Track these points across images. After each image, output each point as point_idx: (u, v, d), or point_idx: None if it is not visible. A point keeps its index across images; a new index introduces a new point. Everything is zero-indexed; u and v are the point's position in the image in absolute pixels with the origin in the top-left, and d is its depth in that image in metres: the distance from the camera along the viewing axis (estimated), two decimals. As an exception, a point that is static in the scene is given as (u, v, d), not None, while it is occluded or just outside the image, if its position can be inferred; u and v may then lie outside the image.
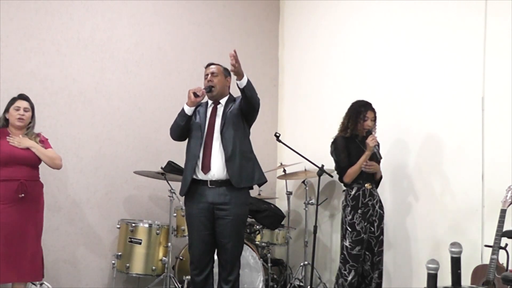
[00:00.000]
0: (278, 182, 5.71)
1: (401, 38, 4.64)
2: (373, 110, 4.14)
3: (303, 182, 5.06)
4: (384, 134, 4.60)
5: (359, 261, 4.01)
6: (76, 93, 4.69)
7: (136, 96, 5.00)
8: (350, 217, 4.04)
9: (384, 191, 4.47)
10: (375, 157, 4.07)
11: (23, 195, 3.64)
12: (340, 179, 4.19)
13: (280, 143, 4.67)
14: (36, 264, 3.74)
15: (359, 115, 4.10)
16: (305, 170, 4.90)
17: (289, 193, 5.19)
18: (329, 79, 5.32)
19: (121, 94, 4.92)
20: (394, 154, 4.54)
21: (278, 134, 4.61)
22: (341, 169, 4.14)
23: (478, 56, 4.03)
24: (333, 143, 4.20)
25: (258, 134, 5.56)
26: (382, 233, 4.10)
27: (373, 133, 4.10)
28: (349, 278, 3.99)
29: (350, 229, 4.02)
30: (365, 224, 4.03)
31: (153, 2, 5.13)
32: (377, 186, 4.21)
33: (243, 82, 3.43)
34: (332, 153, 4.20)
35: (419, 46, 4.47)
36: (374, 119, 4.15)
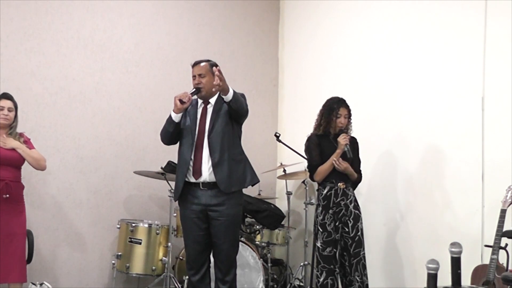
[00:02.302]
0: (278, 182, 5.71)
1: (401, 38, 4.64)
2: (346, 107, 4.06)
3: (303, 182, 5.06)
4: (384, 134, 4.61)
5: (331, 262, 3.93)
6: (76, 93, 4.69)
7: (136, 96, 5.00)
8: (321, 217, 3.98)
9: (385, 191, 4.47)
10: (346, 156, 3.97)
11: (8, 195, 3.62)
12: (311, 178, 4.13)
13: (280, 143, 4.66)
14: (23, 265, 3.73)
15: (332, 112, 4.03)
16: (305, 170, 4.88)
17: (289, 193, 5.18)
18: (329, 79, 5.31)
19: (121, 94, 4.92)
20: (394, 154, 4.54)
21: (278, 134, 4.60)
22: (312, 167, 4.08)
23: (478, 56, 4.03)
24: (306, 141, 4.15)
25: (258, 134, 5.59)
26: (359, 233, 3.96)
27: (349, 130, 4.05)
28: (321, 279, 3.93)
29: (321, 230, 3.96)
30: (337, 224, 3.96)
31: (153, 2, 5.13)
32: (354, 188, 4.12)
33: (229, 96, 3.39)
34: (305, 151, 4.16)
35: (419, 46, 4.47)
36: (348, 116, 4.07)
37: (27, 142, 3.85)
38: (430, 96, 4.36)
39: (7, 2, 4.38)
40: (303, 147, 4.20)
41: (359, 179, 4.14)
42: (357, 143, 4.15)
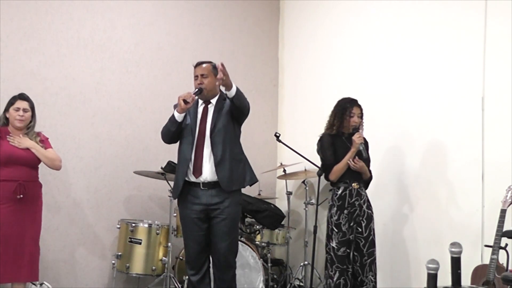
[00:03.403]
0: (278, 182, 5.71)
1: (401, 38, 4.64)
2: (359, 106, 4.09)
3: (303, 182, 5.06)
4: (384, 134, 4.61)
5: (344, 262, 3.95)
6: (76, 93, 4.69)
7: (136, 96, 5.00)
8: (336, 217, 3.99)
9: (385, 191, 4.47)
10: (361, 155, 4.01)
11: (21, 196, 3.64)
12: (326, 177, 4.13)
13: (280, 143, 4.66)
14: (34, 264, 3.75)
15: (345, 112, 4.06)
16: (305, 170, 4.90)
17: (289, 193, 5.18)
18: (329, 79, 5.32)
19: (121, 94, 4.92)
20: (394, 154, 4.54)
21: (278, 134, 4.60)
22: (326, 166, 4.09)
23: (478, 56, 4.03)
24: (319, 141, 4.16)
25: (258, 134, 5.59)
26: (371, 233, 4.01)
27: (360, 130, 4.07)
28: (335, 279, 3.94)
29: (336, 230, 3.97)
30: (352, 224, 3.98)
31: (153, 2, 5.13)
32: (366, 187, 4.15)
33: (232, 92, 3.40)
34: (318, 151, 4.17)
35: (419, 46, 4.47)
36: (361, 116, 4.10)
37: (44, 142, 3.87)
38: (430, 96, 4.36)
39: (7, 2, 4.37)
40: (315, 147, 4.20)
41: (370, 178, 4.16)
42: (367, 142, 4.17)
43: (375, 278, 4.00)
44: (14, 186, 3.63)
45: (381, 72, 4.79)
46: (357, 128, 4.05)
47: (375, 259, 4.01)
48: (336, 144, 4.07)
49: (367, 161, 4.13)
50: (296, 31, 5.80)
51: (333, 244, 3.98)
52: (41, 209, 3.85)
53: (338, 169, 4.02)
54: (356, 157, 4.00)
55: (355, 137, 3.97)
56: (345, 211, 3.99)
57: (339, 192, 4.03)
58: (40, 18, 4.53)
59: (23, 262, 3.67)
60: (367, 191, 4.15)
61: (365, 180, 4.13)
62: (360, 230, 3.99)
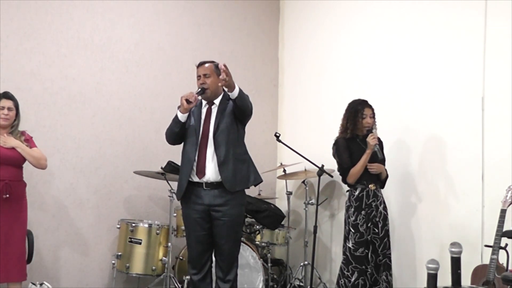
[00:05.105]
0: (278, 182, 5.71)
1: (401, 39, 4.64)
2: (370, 107, 4.11)
3: (303, 182, 5.06)
4: (385, 135, 4.60)
5: (363, 262, 3.98)
6: (76, 93, 4.69)
7: (136, 96, 5.00)
8: (353, 218, 4.03)
9: (386, 192, 4.46)
10: (376, 156, 4.05)
11: (7, 195, 3.63)
12: (344, 180, 4.17)
13: (280, 143, 4.66)
14: (22, 264, 3.74)
15: (357, 114, 4.08)
16: (305, 170, 4.90)
17: (289, 193, 5.18)
18: (329, 79, 5.31)
19: (121, 94, 4.92)
20: (394, 154, 4.53)
21: (278, 134, 4.60)
22: (343, 170, 4.12)
23: (478, 56, 4.03)
24: (334, 144, 4.18)
25: (258, 134, 5.59)
26: (387, 234, 4.06)
27: (373, 131, 4.08)
28: (353, 279, 3.96)
29: (353, 230, 4.01)
30: (369, 225, 4.01)
31: (153, 2, 5.13)
32: (382, 187, 4.18)
33: (235, 93, 3.41)
34: (334, 155, 4.19)
35: (419, 46, 4.47)
36: (373, 116, 4.12)
37: (29, 141, 3.85)
38: (430, 96, 4.36)
39: (7, 2, 4.38)
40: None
41: (386, 176, 4.19)
42: (381, 142, 4.19)
43: (388, 278, 4.03)
44: (0, 186, 3.62)
45: (380, 72, 4.79)
46: (371, 129, 4.07)
47: (388, 259, 4.05)
48: (351, 147, 4.09)
49: (382, 161, 4.16)
50: (296, 31, 5.80)
51: (350, 244, 4.01)
52: (26, 209, 3.83)
53: (355, 171, 4.04)
54: (374, 165, 4.04)
55: (369, 139, 3.99)
56: (363, 212, 4.02)
57: (356, 193, 4.06)
58: (40, 18, 4.53)
59: (12, 262, 3.65)
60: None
61: (382, 179, 4.17)
62: (376, 231, 4.03)
